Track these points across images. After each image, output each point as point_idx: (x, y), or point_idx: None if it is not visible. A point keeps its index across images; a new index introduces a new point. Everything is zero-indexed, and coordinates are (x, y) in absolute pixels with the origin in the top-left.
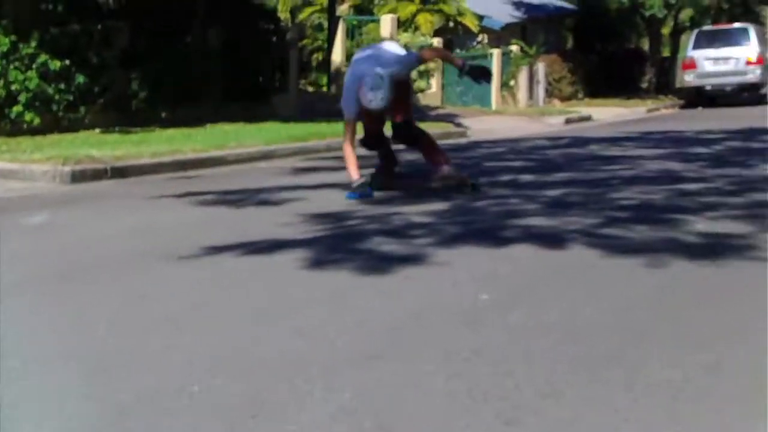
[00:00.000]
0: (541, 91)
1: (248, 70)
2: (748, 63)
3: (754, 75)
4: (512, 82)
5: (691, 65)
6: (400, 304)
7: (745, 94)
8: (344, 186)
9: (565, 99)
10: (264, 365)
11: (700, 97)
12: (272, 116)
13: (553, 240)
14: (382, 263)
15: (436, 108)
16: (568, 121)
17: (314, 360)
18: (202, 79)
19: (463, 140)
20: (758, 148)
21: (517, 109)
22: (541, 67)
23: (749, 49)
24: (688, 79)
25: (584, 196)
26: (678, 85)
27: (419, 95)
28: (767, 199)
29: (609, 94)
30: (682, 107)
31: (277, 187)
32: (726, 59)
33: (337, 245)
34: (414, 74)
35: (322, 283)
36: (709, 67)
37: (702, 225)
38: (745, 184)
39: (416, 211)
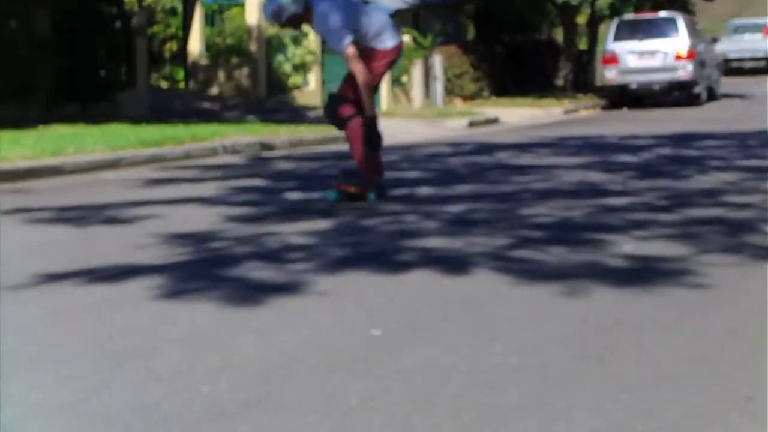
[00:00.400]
0: (439, 88)
1: (87, 61)
2: (678, 58)
3: (685, 71)
4: (405, 79)
5: (613, 60)
6: (277, 342)
7: (675, 94)
8: (208, 201)
9: (467, 98)
10: (113, 417)
11: (624, 97)
12: (118, 117)
13: (455, 265)
14: (254, 293)
15: (315, 108)
16: (471, 124)
17: (175, 411)
18: (31, 71)
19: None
20: (692, 156)
21: (412, 111)
22: (438, 61)
23: (678, 42)
24: (610, 75)
25: (492, 213)
26: (599, 82)
27: (294, 93)
28: (703, 215)
29: (519, 93)
30: (604, 108)
31: (126, 203)
32: (652, 53)
33: (201, 272)
34: (287, 67)
35: (182, 317)
36: (633, 62)
37: (629, 246)
38: (678, 198)
39: (295, 231)
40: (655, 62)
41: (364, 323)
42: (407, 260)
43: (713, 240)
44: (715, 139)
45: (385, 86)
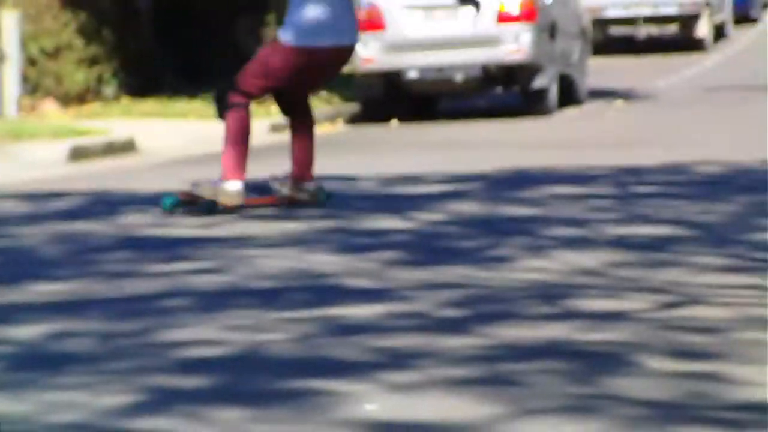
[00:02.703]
0: (11, 78)
1: None
2: (503, 18)
3: (516, 45)
4: None
5: (373, 22)
6: None
7: (496, 90)
8: None
9: (71, 100)
10: None
11: (393, 98)
12: None
13: None
14: None
15: None
16: (76, 155)
17: None
18: None
19: None
20: (519, 217)
21: None
22: (11, 20)
23: None
24: (367, 55)
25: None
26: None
27: None
28: (529, 341)
29: (189, 89)
30: (353, 120)
31: None
32: (451, 11)
33: None
34: None
35: None
36: (412, 27)
37: (369, 407)
38: (480, 306)
39: None
40: (456, 28)
41: None
42: None
43: (543, 390)
44: (567, 182)
45: None
